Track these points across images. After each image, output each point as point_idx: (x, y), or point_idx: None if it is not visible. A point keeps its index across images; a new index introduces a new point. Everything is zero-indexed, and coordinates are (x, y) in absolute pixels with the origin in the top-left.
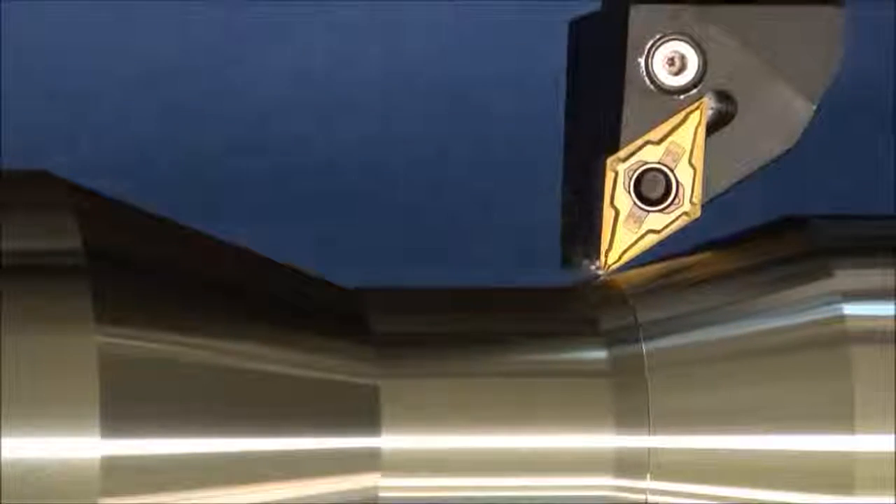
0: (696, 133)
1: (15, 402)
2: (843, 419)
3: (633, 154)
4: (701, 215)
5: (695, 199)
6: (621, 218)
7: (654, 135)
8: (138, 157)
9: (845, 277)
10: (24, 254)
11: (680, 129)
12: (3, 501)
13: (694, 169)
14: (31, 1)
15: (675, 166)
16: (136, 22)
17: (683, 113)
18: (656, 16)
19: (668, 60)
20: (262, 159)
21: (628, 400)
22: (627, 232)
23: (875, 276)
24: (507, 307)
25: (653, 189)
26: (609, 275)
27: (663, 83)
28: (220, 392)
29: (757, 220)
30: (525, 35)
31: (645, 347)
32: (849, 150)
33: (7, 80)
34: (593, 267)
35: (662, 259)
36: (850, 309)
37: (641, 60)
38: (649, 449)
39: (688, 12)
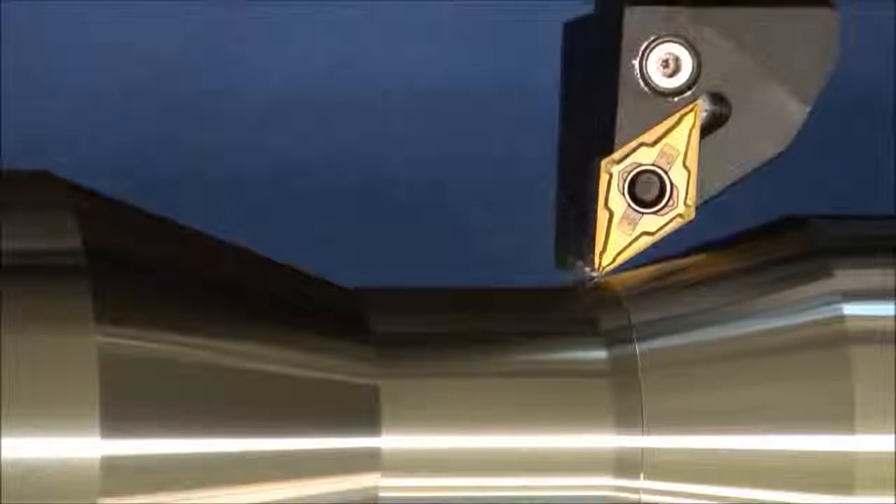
0: (690, 135)
1: (15, 402)
2: (843, 419)
3: (627, 156)
4: (700, 215)
5: (689, 201)
6: (615, 220)
7: (649, 137)
8: (137, 158)
9: (845, 277)
10: (24, 254)
11: (674, 132)
12: (3, 501)
13: (688, 171)
14: (32, 1)
15: (670, 168)
16: (135, 21)
17: (678, 115)
18: (650, 18)
19: (663, 62)
20: (262, 159)
21: (625, 400)
22: (621, 234)
23: (875, 276)
24: (506, 307)
25: (647, 191)
26: (603, 276)
27: (657, 85)
28: (220, 392)
29: (755, 220)
30: (525, 35)
31: (638, 348)
32: (849, 150)
33: (7, 81)
34: (587, 269)
35: (659, 260)
36: (850, 309)
37: (636, 62)
38: (643, 449)
39: (682, 14)
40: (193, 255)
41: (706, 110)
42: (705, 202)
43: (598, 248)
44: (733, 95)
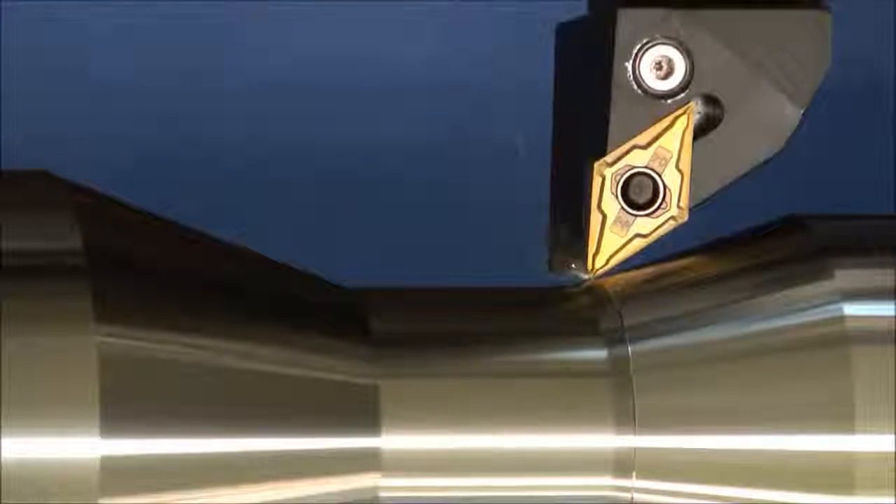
0: (683, 137)
1: (15, 402)
2: (843, 419)
3: (620, 158)
4: (700, 215)
5: (682, 204)
6: (608, 222)
7: (642, 139)
8: (137, 157)
9: (845, 277)
10: (24, 254)
11: (667, 134)
12: (3, 501)
13: (681, 173)
14: (31, 0)
15: (663, 171)
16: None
17: (671, 117)
18: (643, 20)
19: (656, 65)
20: (262, 159)
21: (624, 400)
22: (615, 236)
23: (875, 276)
24: (506, 307)
25: (640, 193)
26: (599, 278)
27: (651, 87)
28: (220, 392)
29: (756, 220)
30: (526, 35)
31: (633, 348)
32: (849, 150)
33: (7, 81)
34: (581, 272)
35: (657, 261)
36: (850, 309)
37: (629, 65)
38: (636, 448)
39: (675, 16)
40: (193, 255)
41: (699, 112)
42: (698, 204)
43: (592, 250)
44: (726, 97)
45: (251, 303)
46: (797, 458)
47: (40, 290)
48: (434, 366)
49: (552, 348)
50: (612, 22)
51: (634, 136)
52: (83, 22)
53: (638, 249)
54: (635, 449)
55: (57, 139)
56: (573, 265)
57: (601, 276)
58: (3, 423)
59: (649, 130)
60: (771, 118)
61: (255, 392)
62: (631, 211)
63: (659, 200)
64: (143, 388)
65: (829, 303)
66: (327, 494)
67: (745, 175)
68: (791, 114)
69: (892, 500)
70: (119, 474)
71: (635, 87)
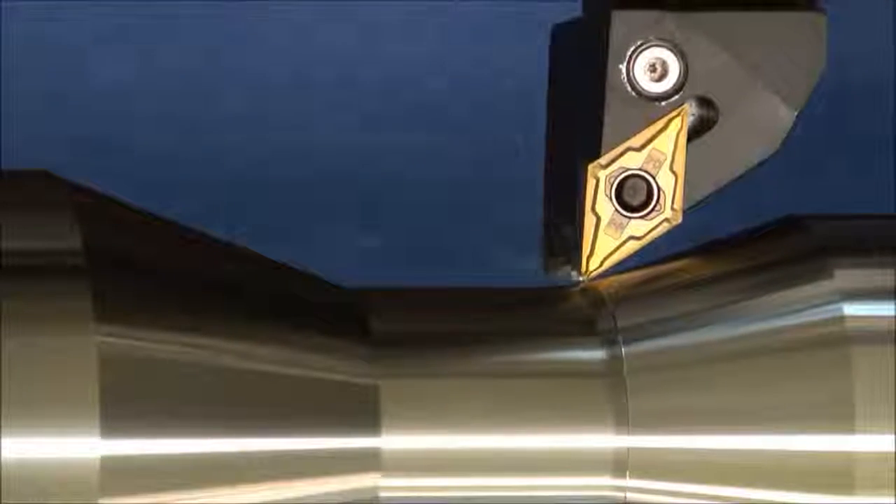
0: (677, 139)
1: (15, 402)
2: (843, 419)
3: (614, 160)
4: (700, 215)
5: (676, 206)
6: (602, 224)
7: (636, 141)
8: (137, 157)
9: (845, 277)
10: (24, 254)
11: (661, 136)
12: (3, 501)
13: (675, 175)
14: (32, 0)
15: (657, 173)
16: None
17: (665, 119)
18: (637, 22)
19: (650, 67)
20: (262, 159)
21: (619, 401)
22: (609, 238)
23: (875, 276)
24: (506, 307)
25: (634, 195)
26: (596, 279)
27: (645, 89)
28: (220, 392)
29: (752, 221)
30: (526, 35)
31: (627, 349)
32: (849, 150)
33: (7, 81)
34: (574, 274)
35: (656, 261)
36: (850, 309)
37: (623, 67)
38: (629, 448)
39: (669, 18)
40: (193, 255)
41: (693, 114)
42: (693, 206)
43: (586, 252)
44: (721, 99)
45: (251, 303)
46: (797, 458)
47: (40, 290)
48: (434, 366)
49: (553, 348)
50: (606, 23)
51: (628, 138)
52: (83, 22)
53: (632, 251)
54: (629, 449)
55: (57, 139)
56: (567, 267)
57: (595, 279)
58: (3, 423)
59: (643, 132)
60: (765, 120)
61: (255, 392)
62: (625, 213)
63: (653, 202)
64: (143, 388)
65: (829, 303)
66: (327, 494)
67: (740, 177)
68: (785, 116)
69: (892, 501)
70: (119, 474)
71: (629, 88)
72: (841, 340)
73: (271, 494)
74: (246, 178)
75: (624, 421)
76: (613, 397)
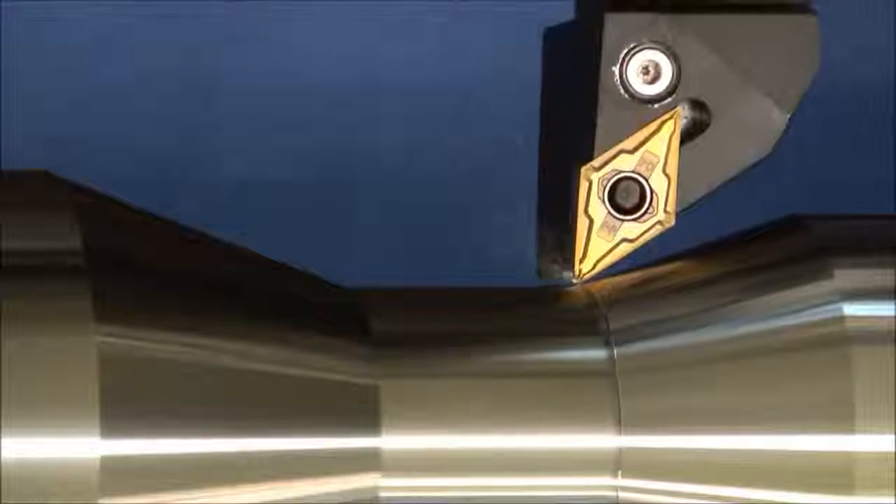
0: (670, 142)
1: (15, 402)
2: (843, 419)
3: (607, 163)
4: (700, 215)
5: (669, 208)
6: (595, 227)
7: (629, 144)
8: (137, 158)
9: (845, 277)
10: (24, 254)
11: (654, 138)
12: (3, 501)
13: (668, 178)
14: (32, 0)
15: (650, 175)
16: (136, 20)
17: (658, 122)
18: (631, 24)
19: (643, 69)
20: (261, 159)
21: (614, 401)
22: (601, 241)
23: (875, 276)
24: (506, 307)
25: (627, 198)
26: (591, 280)
27: (637, 92)
28: (220, 392)
29: (748, 223)
30: (526, 35)
31: (619, 351)
32: (849, 150)
33: (7, 81)
34: (567, 276)
35: (655, 262)
36: (850, 309)
37: (616, 69)
38: (620, 448)
39: (662, 21)
40: (193, 255)
41: (686, 117)
42: (685, 209)
43: (579, 255)
44: (713, 102)
45: (251, 303)
46: (797, 458)
47: (40, 290)
48: (434, 366)
49: (553, 348)
50: (600, 26)
51: (621, 141)
52: (83, 22)
53: (625, 254)
54: (621, 449)
55: (57, 139)
56: (561, 269)
57: (588, 281)
58: (3, 423)
59: (636, 135)
60: (758, 123)
61: (255, 392)
62: (618, 215)
63: (646, 205)
64: (143, 388)
65: (829, 303)
66: (327, 494)
67: (732, 179)
68: (778, 118)
69: (892, 500)
70: (119, 474)
71: (622, 91)
72: (841, 340)
73: (271, 494)
74: (246, 178)
75: (617, 422)
76: (609, 398)
